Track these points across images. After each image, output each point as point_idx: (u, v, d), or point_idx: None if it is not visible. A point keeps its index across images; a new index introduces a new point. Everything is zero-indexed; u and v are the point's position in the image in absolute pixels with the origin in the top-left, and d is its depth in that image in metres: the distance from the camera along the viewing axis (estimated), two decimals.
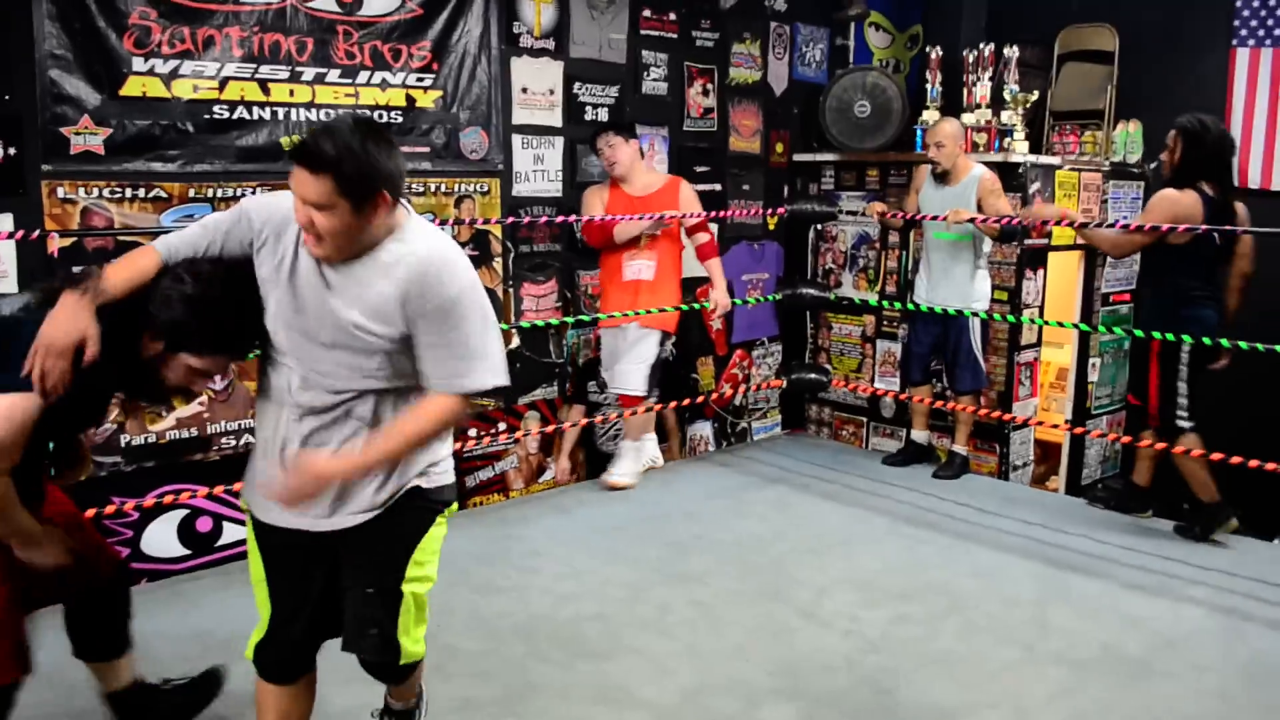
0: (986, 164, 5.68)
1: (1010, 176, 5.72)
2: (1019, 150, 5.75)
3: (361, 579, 2.28)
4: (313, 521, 2.24)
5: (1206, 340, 4.38)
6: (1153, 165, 6.64)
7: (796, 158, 6.46)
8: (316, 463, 2.11)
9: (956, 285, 5.34)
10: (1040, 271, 5.85)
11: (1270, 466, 4.13)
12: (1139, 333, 4.63)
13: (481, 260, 4.89)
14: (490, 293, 4.89)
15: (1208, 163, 4.54)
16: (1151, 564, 4.24)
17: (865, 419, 6.41)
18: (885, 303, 5.96)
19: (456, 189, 4.79)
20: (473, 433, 4.88)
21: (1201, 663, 3.41)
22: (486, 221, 4.79)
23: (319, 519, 2.23)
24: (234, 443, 4.24)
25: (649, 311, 4.93)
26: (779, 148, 6.36)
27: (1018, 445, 5.88)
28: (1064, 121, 6.60)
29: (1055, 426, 6.09)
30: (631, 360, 4.99)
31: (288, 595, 2.32)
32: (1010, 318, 5.49)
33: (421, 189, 4.67)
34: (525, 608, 3.73)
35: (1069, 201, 6.03)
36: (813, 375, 6.18)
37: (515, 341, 5.10)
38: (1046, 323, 4.90)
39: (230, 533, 4.25)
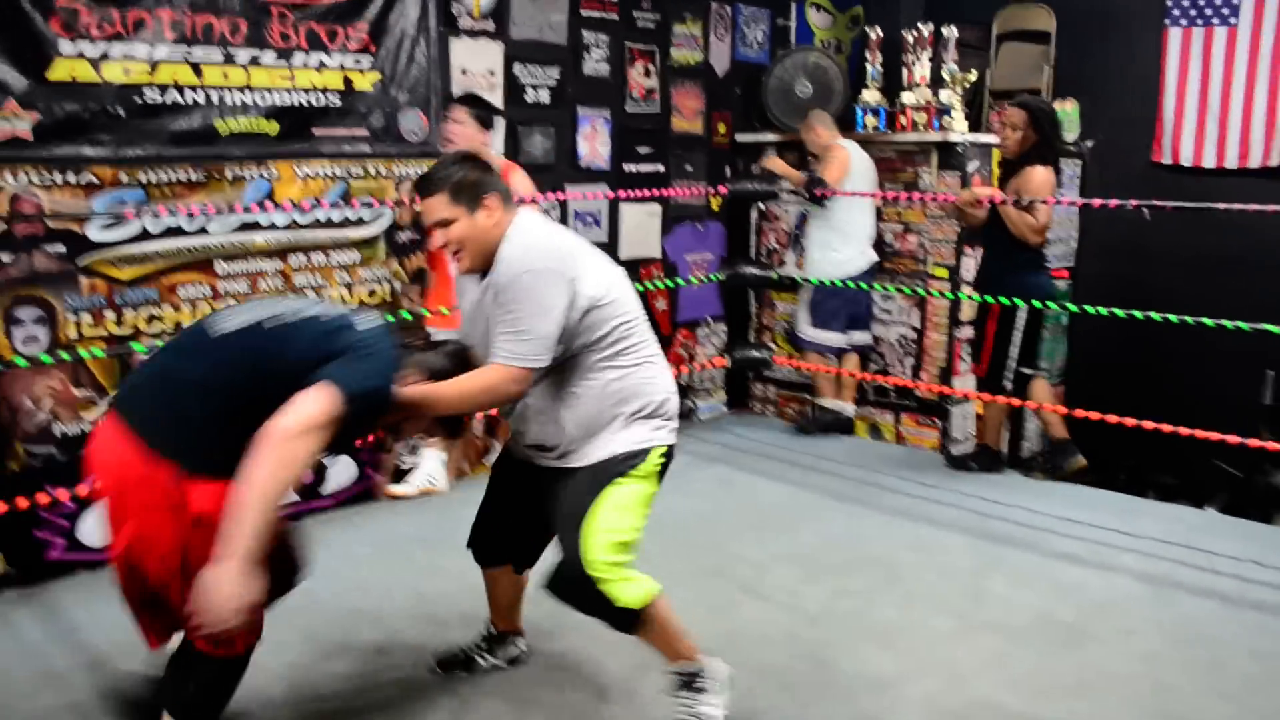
0: (925, 144, 5.77)
1: (948, 155, 5.79)
2: (957, 129, 5.82)
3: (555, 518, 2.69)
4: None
5: (1052, 305, 4.86)
6: (1090, 144, 6.77)
7: (739, 138, 6.49)
8: None
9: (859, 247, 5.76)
10: (979, 249, 5.93)
11: (1148, 425, 4.22)
12: (1073, 307, 4.73)
13: (421, 245, 4.87)
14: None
15: (1057, 140, 5.04)
16: (1084, 533, 4.33)
17: (809, 396, 6.47)
18: (827, 281, 6.01)
19: (396, 171, 4.76)
20: None
21: (1130, 627, 3.50)
22: None
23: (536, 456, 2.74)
24: None
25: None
26: (721, 128, 6.38)
27: (958, 420, 5.97)
28: (1003, 100, 6.68)
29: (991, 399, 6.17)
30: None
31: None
32: (950, 294, 5.57)
33: (360, 172, 4.64)
34: (469, 592, 3.73)
35: None
36: (756, 354, 6.23)
37: None
38: (984, 299, 4.96)
39: None
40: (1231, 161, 6.27)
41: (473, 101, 4.50)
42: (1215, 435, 4.18)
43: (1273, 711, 2.99)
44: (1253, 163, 6.19)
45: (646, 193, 5.27)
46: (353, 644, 3.33)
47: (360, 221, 4.67)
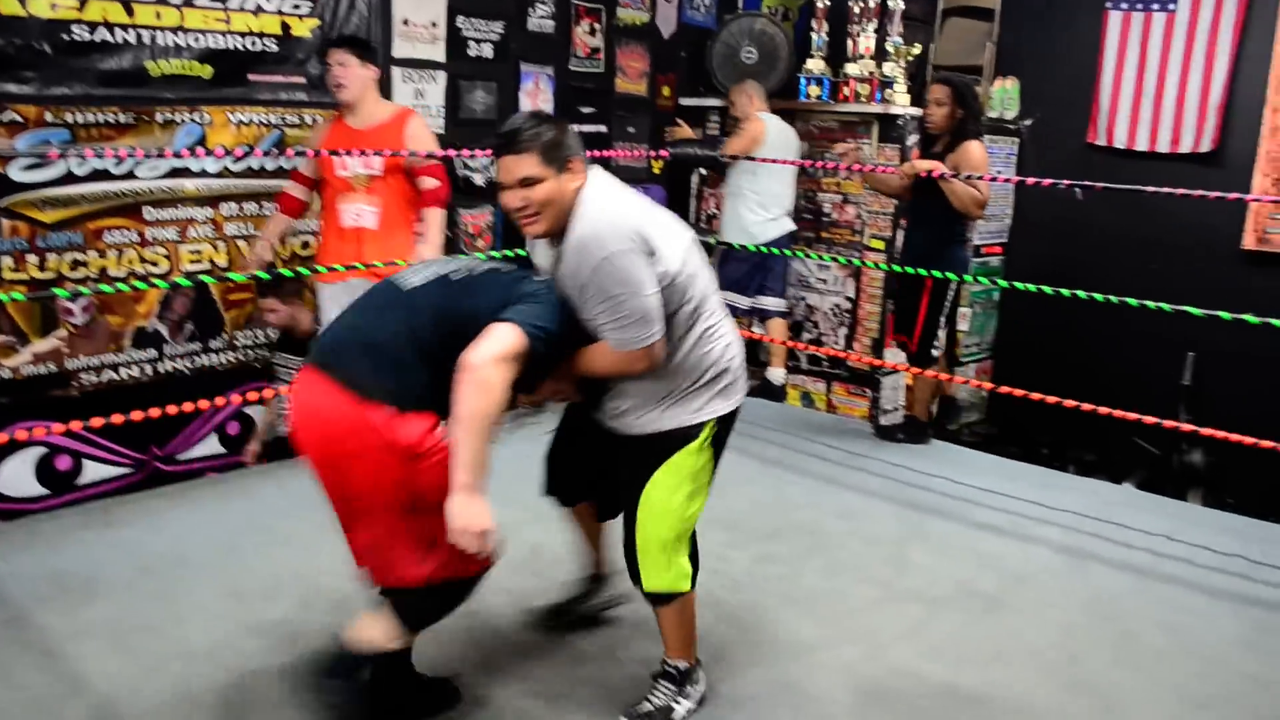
0: (867, 115, 5.81)
1: (890, 128, 5.83)
2: (899, 102, 5.86)
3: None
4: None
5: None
6: (1028, 122, 6.86)
7: (683, 101, 6.47)
8: None
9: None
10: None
11: (1069, 403, 4.32)
12: (1003, 283, 4.80)
13: None
14: None
15: (979, 115, 5.18)
16: (1006, 505, 4.43)
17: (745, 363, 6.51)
18: (764, 248, 6.03)
19: None
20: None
21: (1047, 598, 3.59)
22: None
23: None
24: (94, 379, 4.11)
25: (374, 265, 4.17)
26: (665, 91, 6.35)
27: (888, 390, 6.05)
28: None
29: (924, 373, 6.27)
30: None
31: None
32: (884, 266, 5.62)
33: (297, 120, 4.55)
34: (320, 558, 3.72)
35: None
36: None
37: None
38: (919, 272, 5.01)
39: (91, 471, 4.13)
40: (1164, 146, 6.40)
41: (348, 42, 4.26)
42: (1134, 415, 4.29)
43: (1181, 682, 3.10)
44: (1184, 148, 6.33)
45: (588, 154, 5.21)
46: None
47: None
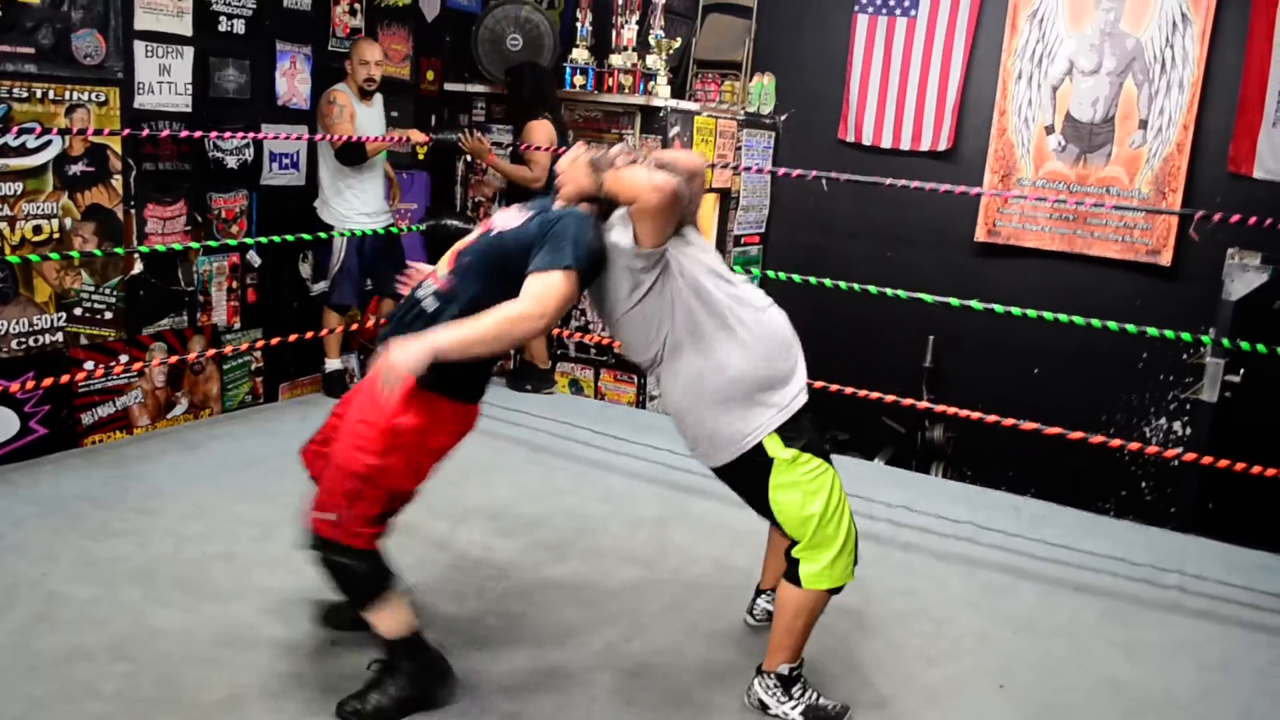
0: (630, 106, 5.91)
1: (652, 120, 5.95)
2: (661, 94, 5.99)
3: None
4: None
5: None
6: (783, 118, 7.16)
7: (448, 87, 6.39)
8: None
9: (382, 199, 5.61)
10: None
11: (835, 388, 4.61)
12: (756, 273, 4.99)
13: (97, 178, 4.50)
14: (108, 213, 4.55)
15: (545, 96, 5.71)
16: None
17: (512, 351, 6.51)
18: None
19: (68, 96, 4.36)
20: (90, 365, 4.52)
21: None
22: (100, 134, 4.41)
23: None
24: None
25: None
26: (429, 75, 6.26)
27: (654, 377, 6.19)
28: (706, 70, 6.94)
29: None
30: None
31: None
32: None
33: (26, 94, 4.21)
34: (144, 550, 3.54)
35: (706, 146, 6.36)
36: None
37: (139, 267, 4.75)
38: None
39: None
40: (906, 144, 6.81)
41: None
42: (879, 394, 4.57)
43: (903, 642, 3.34)
44: (924, 146, 6.76)
45: (350, 138, 5.10)
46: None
47: (23, 149, 4.24)
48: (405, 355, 2.39)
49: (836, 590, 2.80)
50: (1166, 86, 6.06)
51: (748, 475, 2.76)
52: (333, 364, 5.60)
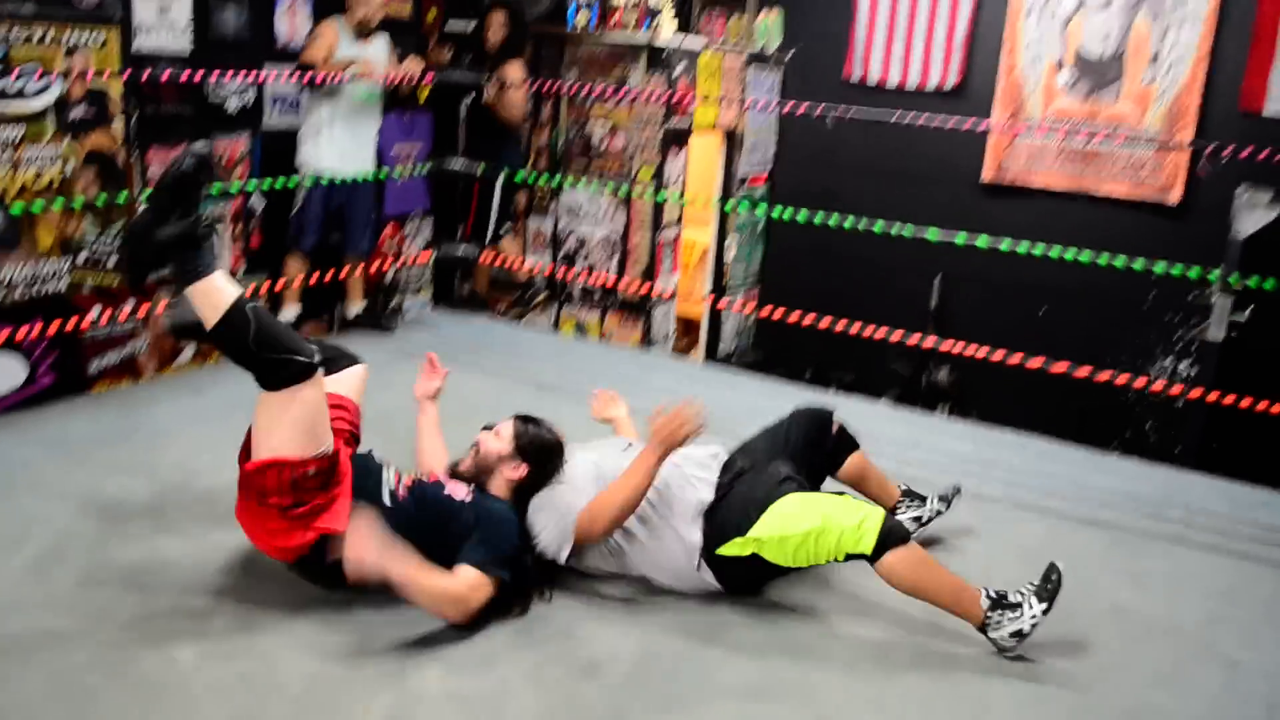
0: (634, 44, 5.85)
1: (657, 57, 5.90)
2: (666, 31, 5.93)
3: None
4: None
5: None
6: (790, 54, 7.08)
7: (450, 27, 6.31)
8: None
9: (369, 149, 5.43)
10: (683, 152, 6.12)
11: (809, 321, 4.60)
12: (762, 210, 4.97)
13: (98, 122, 4.47)
14: (110, 158, 4.52)
15: (524, 36, 5.93)
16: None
17: (518, 293, 6.51)
18: (533, 177, 6.05)
19: (66, 38, 4.32)
20: (95, 311, 4.52)
21: None
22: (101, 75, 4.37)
23: None
24: None
25: None
26: (432, 13, 6.18)
27: (659, 319, 6.20)
28: (712, 6, 6.85)
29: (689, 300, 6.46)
30: None
31: None
32: (659, 195, 5.73)
33: (22, 36, 4.17)
34: (154, 484, 3.56)
35: (712, 84, 6.30)
36: (462, 250, 6.17)
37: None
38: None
39: None
40: (914, 81, 6.75)
41: None
42: (885, 333, 4.56)
43: None
44: (931, 84, 6.69)
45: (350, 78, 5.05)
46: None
47: (21, 94, 4.21)
48: (361, 558, 2.54)
49: (891, 541, 2.83)
50: (1180, 21, 5.98)
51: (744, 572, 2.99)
52: (287, 312, 5.32)
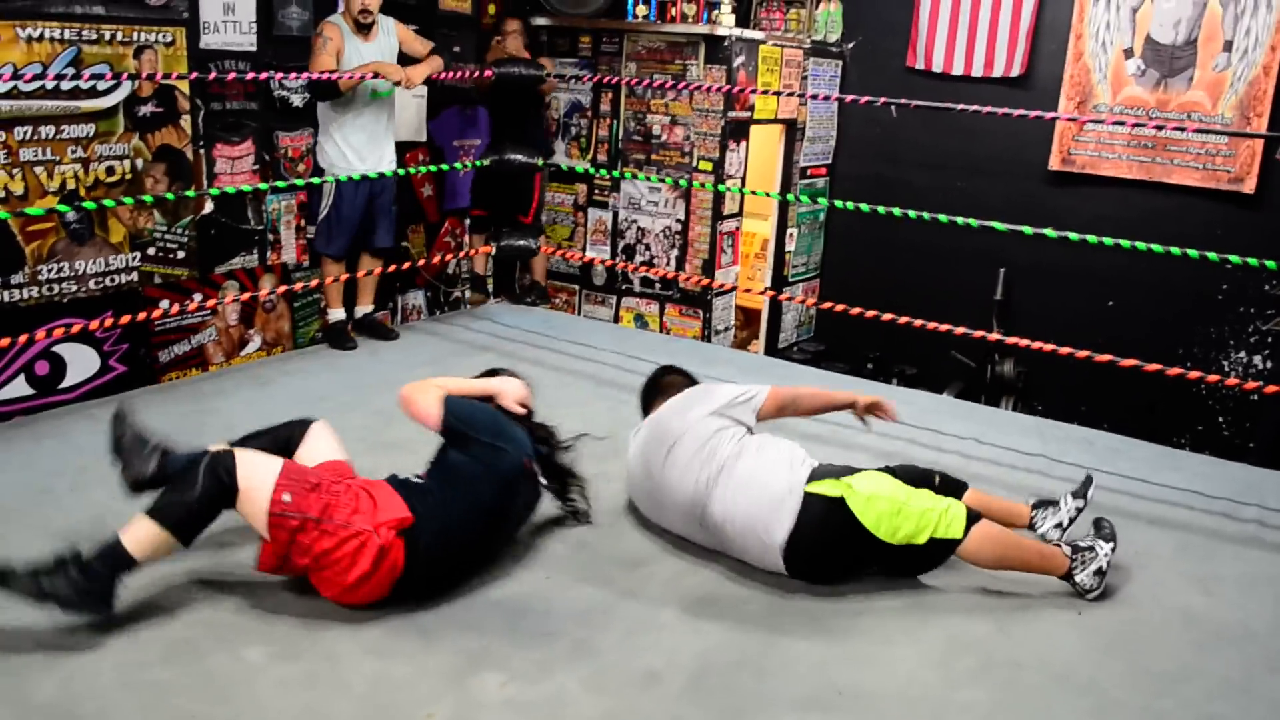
0: (693, 36, 5.81)
1: (716, 49, 5.86)
2: (726, 23, 5.89)
3: None
4: None
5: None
6: (850, 46, 7.00)
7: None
8: None
9: (387, 144, 5.25)
10: (743, 144, 6.08)
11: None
12: (824, 201, 4.93)
13: (166, 119, 4.56)
14: (178, 154, 4.61)
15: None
16: (829, 416, 4.60)
17: (577, 286, 6.53)
18: (593, 169, 6.04)
19: (135, 38, 4.40)
20: (165, 303, 4.61)
21: None
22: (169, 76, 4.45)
23: None
24: None
25: None
26: (491, 9, 6.21)
27: (719, 310, 6.17)
28: None
29: (748, 291, 6.43)
30: None
31: None
32: (719, 187, 5.69)
33: (95, 37, 4.26)
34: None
35: (771, 76, 6.25)
36: (522, 243, 6.16)
37: (209, 207, 4.82)
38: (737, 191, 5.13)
39: None
40: (978, 70, 6.63)
41: None
42: (950, 328, 4.50)
43: (972, 570, 3.30)
44: (996, 72, 6.57)
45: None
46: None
47: (94, 92, 4.31)
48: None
49: (973, 520, 3.02)
50: (1254, 5, 5.81)
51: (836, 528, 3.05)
52: (334, 314, 5.34)
